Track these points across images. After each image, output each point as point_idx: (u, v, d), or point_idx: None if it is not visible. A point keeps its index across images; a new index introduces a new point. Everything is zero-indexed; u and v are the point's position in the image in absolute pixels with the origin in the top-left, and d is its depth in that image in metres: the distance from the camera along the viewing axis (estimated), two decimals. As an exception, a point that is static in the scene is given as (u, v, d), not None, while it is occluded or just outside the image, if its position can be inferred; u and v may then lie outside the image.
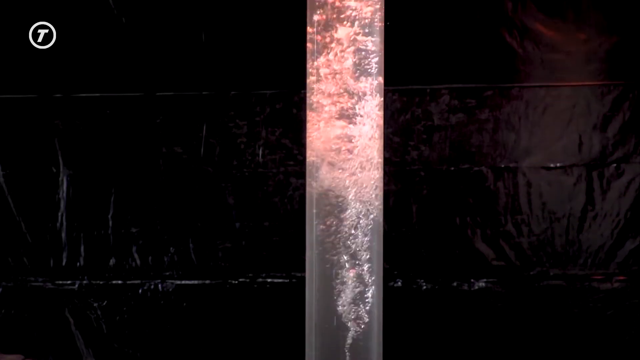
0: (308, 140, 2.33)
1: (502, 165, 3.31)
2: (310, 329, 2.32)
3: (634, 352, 3.28)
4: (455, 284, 3.34)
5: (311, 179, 2.31)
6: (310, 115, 2.31)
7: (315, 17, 2.25)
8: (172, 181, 3.39)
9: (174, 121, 3.39)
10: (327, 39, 2.25)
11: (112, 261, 3.42)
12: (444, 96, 3.32)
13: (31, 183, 3.42)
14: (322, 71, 2.26)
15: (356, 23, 2.24)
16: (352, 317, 2.27)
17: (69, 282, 3.43)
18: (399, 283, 3.35)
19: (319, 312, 2.30)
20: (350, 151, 2.27)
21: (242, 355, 3.38)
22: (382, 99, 2.30)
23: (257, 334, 3.37)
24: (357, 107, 2.26)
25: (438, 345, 3.34)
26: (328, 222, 2.28)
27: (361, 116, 2.26)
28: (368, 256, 2.28)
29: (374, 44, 2.25)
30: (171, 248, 3.40)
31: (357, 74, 2.25)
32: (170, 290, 3.41)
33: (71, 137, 3.40)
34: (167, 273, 3.41)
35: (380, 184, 2.32)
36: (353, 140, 2.27)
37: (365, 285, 2.29)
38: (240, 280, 3.39)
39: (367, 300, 2.29)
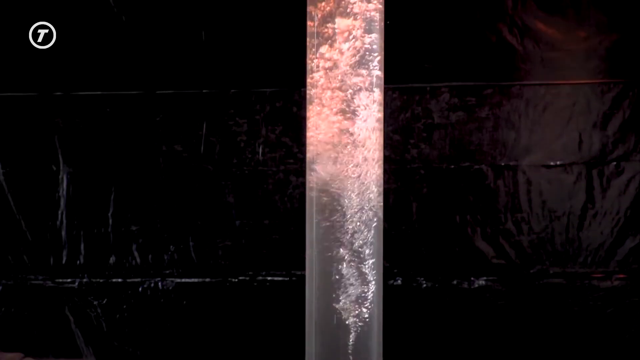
0: (308, 135, 2.33)
1: (502, 164, 3.31)
2: (310, 327, 2.32)
3: (634, 351, 3.28)
4: (455, 282, 3.34)
5: (311, 176, 2.31)
6: (310, 111, 2.31)
7: (315, 11, 2.25)
8: (172, 179, 3.39)
9: (174, 119, 3.39)
10: (327, 33, 2.24)
11: (112, 259, 3.42)
12: (444, 94, 3.32)
13: (31, 181, 3.42)
14: (322, 65, 2.26)
15: (357, 20, 2.24)
16: (352, 314, 2.27)
17: (69, 280, 3.43)
18: (399, 281, 3.35)
19: (319, 310, 2.30)
20: (350, 148, 2.26)
21: (242, 353, 3.38)
22: (382, 96, 2.30)
23: (257, 332, 3.37)
24: (357, 103, 2.26)
25: (438, 344, 3.34)
26: (328, 220, 2.27)
27: (361, 112, 2.26)
28: (368, 254, 2.28)
29: (374, 41, 2.25)
30: (171, 246, 3.41)
31: (357, 71, 2.25)
32: (170, 288, 3.41)
33: (71, 135, 3.40)
34: (167, 271, 3.41)
35: (381, 182, 2.32)
36: (353, 137, 2.26)
37: (366, 284, 2.29)
38: (240, 278, 3.39)
39: (367, 298, 2.29)
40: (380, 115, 2.29)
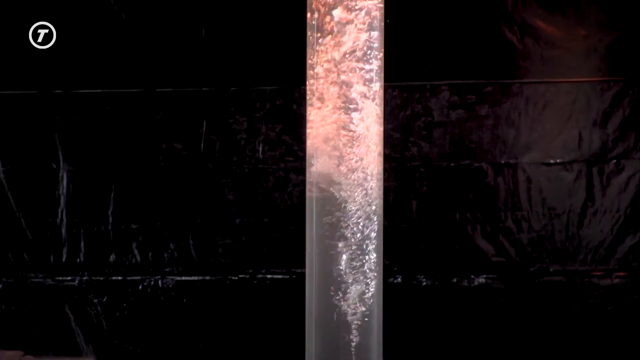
0: (307, 130, 2.32)
1: (502, 161, 3.31)
2: (310, 325, 2.32)
3: (634, 348, 3.28)
4: (455, 280, 3.34)
5: (310, 172, 2.30)
6: (310, 105, 2.31)
7: (316, 5, 2.25)
8: (172, 177, 3.39)
9: (174, 117, 3.39)
10: (327, 28, 2.24)
11: (112, 257, 3.42)
12: (443, 92, 3.32)
13: (31, 179, 3.42)
14: (323, 59, 2.26)
15: (357, 17, 2.24)
16: (352, 312, 2.27)
17: (69, 278, 3.43)
18: (399, 279, 3.35)
19: (319, 308, 2.30)
20: (349, 144, 2.26)
21: (243, 351, 3.38)
22: (382, 92, 2.29)
23: (257, 330, 3.38)
24: (357, 100, 2.25)
25: (438, 341, 3.34)
26: (328, 217, 2.27)
27: (361, 108, 2.26)
28: (368, 251, 2.28)
29: (374, 38, 2.25)
30: (171, 244, 3.41)
31: (357, 67, 2.25)
32: (170, 286, 3.41)
33: (71, 133, 3.40)
34: (167, 269, 3.41)
35: (381, 179, 2.31)
36: (352, 133, 2.26)
37: (365, 281, 2.29)
38: (240, 276, 3.39)
39: (367, 296, 2.29)
40: (381, 110, 2.29)
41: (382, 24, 2.27)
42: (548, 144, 3.31)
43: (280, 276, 3.38)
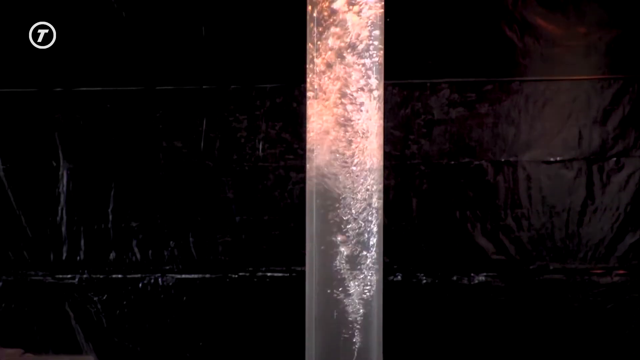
0: (308, 126, 2.32)
1: (502, 160, 3.31)
2: (310, 322, 2.32)
3: (634, 346, 3.28)
4: (455, 278, 3.34)
5: (311, 171, 2.30)
6: (310, 100, 2.30)
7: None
8: (172, 175, 3.39)
9: (174, 115, 3.38)
10: (328, 23, 2.24)
11: (112, 255, 3.42)
12: (444, 90, 3.32)
13: (31, 177, 3.42)
14: (323, 55, 2.26)
15: (358, 15, 2.24)
16: (352, 310, 2.27)
17: (69, 276, 3.43)
18: (399, 277, 3.35)
19: (319, 306, 2.30)
20: (349, 142, 2.26)
21: (243, 349, 3.38)
22: (382, 89, 2.29)
23: (258, 328, 3.38)
24: (356, 96, 2.25)
25: (438, 339, 3.34)
26: (328, 213, 2.27)
27: (361, 104, 2.26)
28: (368, 249, 2.28)
29: (374, 35, 2.25)
30: (171, 242, 3.41)
31: (358, 63, 2.25)
32: (170, 284, 3.41)
33: (71, 131, 3.40)
34: (167, 267, 3.41)
35: (381, 177, 2.31)
36: (353, 132, 2.26)
37: (365, 279, 2.29)
38: (240, 274, 3.39)
39: (367, 293, 2.29)
40: (381, 105, 2.29)
41: (383, 21, 2.27)
42: (548, 142, 3.31)
43: (280, 274, 3.38)
